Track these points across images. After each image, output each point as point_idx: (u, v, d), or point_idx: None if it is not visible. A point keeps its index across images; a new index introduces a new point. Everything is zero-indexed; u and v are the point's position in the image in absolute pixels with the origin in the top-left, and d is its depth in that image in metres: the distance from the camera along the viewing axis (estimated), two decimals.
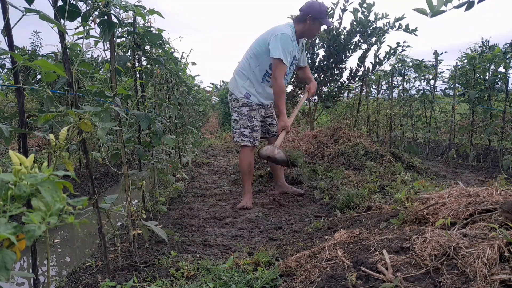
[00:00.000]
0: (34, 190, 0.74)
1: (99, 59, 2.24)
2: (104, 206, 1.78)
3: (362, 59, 6.49)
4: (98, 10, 1.68)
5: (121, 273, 1.82)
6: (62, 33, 1.46)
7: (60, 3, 1.47)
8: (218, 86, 15.22)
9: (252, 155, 3.48)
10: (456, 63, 6.54)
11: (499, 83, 5.42)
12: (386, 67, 10.18)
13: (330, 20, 6.10)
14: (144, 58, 2.54)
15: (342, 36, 6.14)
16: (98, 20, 1.66)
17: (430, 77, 7.06)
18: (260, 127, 3.55)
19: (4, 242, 0.69)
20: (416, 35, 5.81)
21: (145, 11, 2.13)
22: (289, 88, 7.58)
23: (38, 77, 5.10)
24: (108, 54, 1.87)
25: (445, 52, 6.69)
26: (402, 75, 7.51)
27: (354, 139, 5.29)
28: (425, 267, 1.32)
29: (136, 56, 2.36)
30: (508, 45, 5.38)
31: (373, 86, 8.61)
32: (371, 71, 6.69)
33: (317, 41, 6.34)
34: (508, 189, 1.85)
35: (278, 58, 3.20)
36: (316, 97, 7.11)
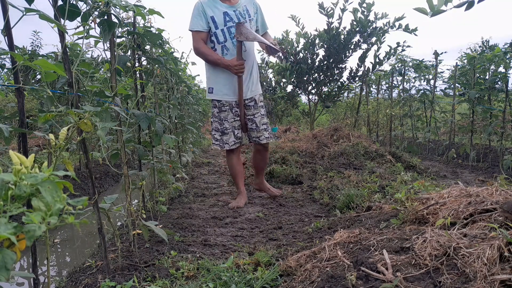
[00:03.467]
0: (34, 190, 0.74)
1: (99, 59, 2.24)
2: (104, 206, 1.78)
3: (362, 59, 6.50)
4: (98, 10, 1.67)
5: (121, 273, 1.82)
6: (62, 33, 1.46)
7: (60, 2, 1.47)
8: None
9: (233, 157, 3.36)
10: (456, 63, 6.54)
11: (499, 83, 5.41)
12: (386, 67, 10.19)
13: (330, 19, 6.12)
14: (144, 58, 2.54)
15: (342, 36, 6.13)
16: (98, 20, 1.66)
17: (430, 77, 7.06)
18: (236, 128, 3.29)
19: (4, 242, 0.69)
20: (416, 35, 5.82)
21: (145, 11, 2.13)
22: (289, 88, 7.57)
23: (38, 77, 5.10)
24: (108, 54, 1.87)
25: (445, 52, 6.70)
26: (402, 75, 7.51)
27: (354, 139, 5.29)
28: (425, 267, 1.32)
29: (136, 56, 2.36)
30: (508, 45, 5.38)
31: (373, 86, 8.62)
32: (371, 71, 6.69)
33: (317, 41, 6.33)
34: (508, 189, 1.85)
35: (189, 30, 3.15)
36: (316, 97, 7.11)
